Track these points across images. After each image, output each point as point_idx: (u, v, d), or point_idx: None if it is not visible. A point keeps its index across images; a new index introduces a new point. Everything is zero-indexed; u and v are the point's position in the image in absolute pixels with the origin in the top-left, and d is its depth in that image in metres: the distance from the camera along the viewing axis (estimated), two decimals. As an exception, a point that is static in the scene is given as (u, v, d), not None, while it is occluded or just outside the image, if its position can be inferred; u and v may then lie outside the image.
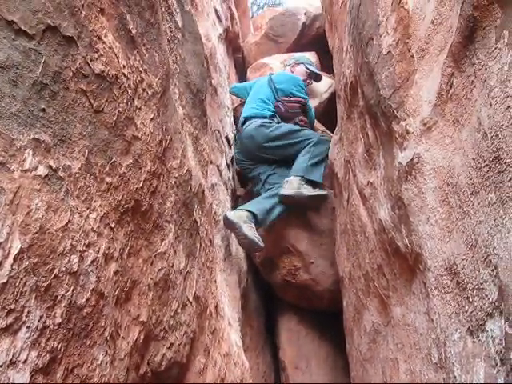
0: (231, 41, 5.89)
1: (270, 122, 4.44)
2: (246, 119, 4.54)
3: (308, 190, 4.01)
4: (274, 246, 4.15)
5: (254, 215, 3.76)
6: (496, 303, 1.21)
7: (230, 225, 3.59)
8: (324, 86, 5.31)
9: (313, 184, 4.08)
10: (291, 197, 3.96)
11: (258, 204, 3.97)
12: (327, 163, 4.09)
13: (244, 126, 4.49)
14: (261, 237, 3.73)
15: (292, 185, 4.00)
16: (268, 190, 4.26)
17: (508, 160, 1.15)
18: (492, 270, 1.23)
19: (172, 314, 1.96)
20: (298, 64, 5.16)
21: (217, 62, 4.15)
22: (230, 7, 5.81)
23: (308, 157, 4.17)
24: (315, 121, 4.96)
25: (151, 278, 1.78)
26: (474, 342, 1.35)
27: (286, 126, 4.44)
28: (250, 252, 4.13)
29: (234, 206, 4.07)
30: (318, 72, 5.21)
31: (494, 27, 1.29)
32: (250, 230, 3.63)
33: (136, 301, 1.66)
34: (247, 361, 3.13)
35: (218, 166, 3.62)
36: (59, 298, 1.16)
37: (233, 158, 4.51)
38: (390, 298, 2.26)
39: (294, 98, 4.64)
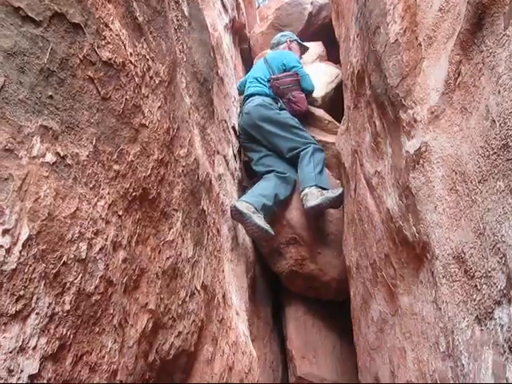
0: (237, 31, 5.87)
1: (271, 104, 4.51)
2: (249, 96, 4.64)
3: (331, 192, 3.92)
4: (280, 236, 4.15)
5: (260, 204, 3.76)
6: (504, 291, 1.21)
7: (238, 215, 3.57)
8: (331, 75, 5.29)
9: (325, 190, 4.01)
10: (321, 205, 3.87)
11: (262, 190, 3.97)
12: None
13: (245, 103, 4.60)
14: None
15: (313, 195, 3.92)
16: (265, 172, 4.29)
17: (517, 147, 1.14)
18: (500, 258, 1.23)
19: (180, 302, 1.97)
20: (292, 41, 5.46)
21: (223, 52, 4.14)
22: (235, -3, 5.79)
23: (312, 166, 4.14)
24: (322, 111, 4.92)
25: (159, 267, 1.79)
26: (481, 329, 1.35)
27: (288, 117, 4.46)
28: (259, 241, 4.12)
29: (241, 197, 4.05)
30: (304, 44, 5.57)
31: (502, 14, 1.28)
32: (260, 220, 3.64)
33: (144, 289, 1.66)
34: (255, 350, 3.14)
35: (224, 156, 3.61)
36: (68, 285, 1.17)
37: (240, 148, 4.51)
38: (398, 287, 2.26)
39: (283, 74, 4.72)
